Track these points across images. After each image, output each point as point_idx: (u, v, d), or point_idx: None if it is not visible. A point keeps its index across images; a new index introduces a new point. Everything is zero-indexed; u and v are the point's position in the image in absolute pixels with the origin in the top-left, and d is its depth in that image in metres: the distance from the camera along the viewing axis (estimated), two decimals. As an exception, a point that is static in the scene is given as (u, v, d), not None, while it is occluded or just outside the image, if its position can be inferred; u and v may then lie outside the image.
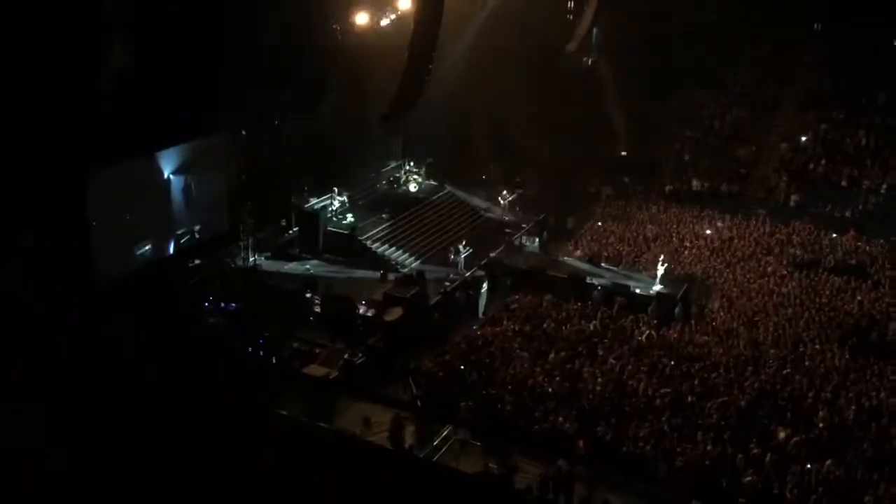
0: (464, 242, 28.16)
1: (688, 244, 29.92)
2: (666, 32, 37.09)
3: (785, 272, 27.39)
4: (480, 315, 25.08)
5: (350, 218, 29.13)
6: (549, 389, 19.26)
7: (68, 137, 17.56)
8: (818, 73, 37.19)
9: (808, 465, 16.44)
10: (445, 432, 18.01)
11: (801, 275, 27.08)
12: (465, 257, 27.42)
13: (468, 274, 26.78)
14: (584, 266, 27.77)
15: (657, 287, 25.95)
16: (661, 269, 26.35)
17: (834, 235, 30.66)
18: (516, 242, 30.03)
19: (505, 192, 32.75)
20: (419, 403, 19.63)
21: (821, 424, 18.01)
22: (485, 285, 25.80)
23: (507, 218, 32.20)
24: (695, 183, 35.45)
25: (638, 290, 25.61)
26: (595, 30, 35.37)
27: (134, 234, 22.36)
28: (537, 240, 30.21)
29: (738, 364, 20.78)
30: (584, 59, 36.20)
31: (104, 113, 18.23)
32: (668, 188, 35.63)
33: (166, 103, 19.93)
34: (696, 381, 19.73)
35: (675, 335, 22.98)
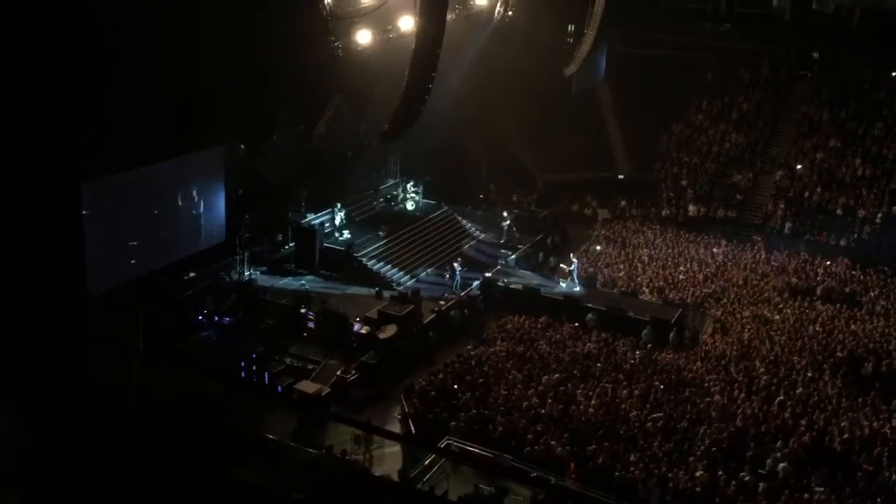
0: (459, 261, 28.20)
1: (682, 269, 29.96)
2: (665, 58, 37.37)
3: (779, 299, 27.43)
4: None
5: (346, 234, 29.15)
6: (542, 411, 19.22)
7: (63, 146, 17.58)
8: (815, 102, 37.39)
9: (799, 494, 16.41)
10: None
11: (794, 302, 27.13)
12: (459, 276, 27.44)
13: (463, 293, 26.80)
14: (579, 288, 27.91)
15: (576, 289, 27.38)
16: (574, 270, 27.50)
17: (828, 263, 30.75)
18: (506, 262, 30.00)
19: (505, 213, 32.86)
20: (410, 422, 19.56)
21: (812, 452, 17.97)
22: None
23: (503, 239, 32.23)
24: (691, 208, 35.57)
25: (631, 314, 25.64)
26: (595, 54, 35.56)
27: (129, 246, 22.34)
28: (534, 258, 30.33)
29: (731, 390, 20.76)
30: (576, 86, 36.40)
31: (101, 123, 18.24)
32: (664, 212, 35.74)
33: (165, 116, 19.96)
34: (688, 407, 19.71)
35: (669, 360, 22.97)
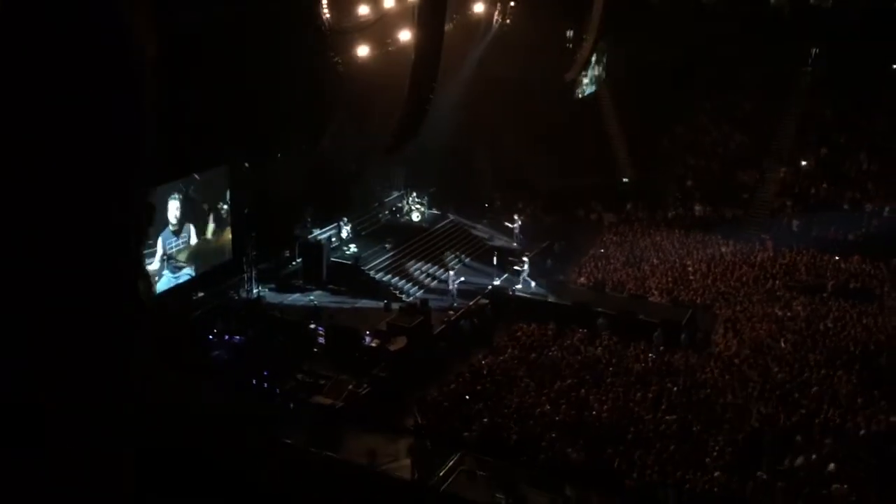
0: (455, 270, 28.17)
1: (691, 270, 29.83)
2: (667, 60, 37.28)
3: (789, 296, 27.28)
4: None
5: (353, 248, 29.16)
6: (556, 417, 19.14)
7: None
8: (818, 98, 37.29)
9: (818, 491, 16.26)
10: (451, 463, 17.86)
11: (805, 299, 26.97)
12: (457, 285, 27.38)
13: (472, 303, 26.73)
14: (588, 293, 27.82)
15: (532, 286, 27.71)
16: (525, 270, 27.90)
17: (836, 258, 30.53)
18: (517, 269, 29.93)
19: (515, 216, 32.90)
20: (424, 434, 19.48)
21: (829, 449, 17.82)
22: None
23: (511, 246, 32.15)
24: (697, 208, 35.46)
25: (642, 317, 25.52)
26: (595, 58, 35.60)
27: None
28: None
29: (744, 390, 20.63)
30: (577, 91, 36.54)
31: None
32: (670, 214, 35.62)
33: (169, 138, 19.98)
34: (702, 408, 19.59)
35: (681, 362, 22.86)
